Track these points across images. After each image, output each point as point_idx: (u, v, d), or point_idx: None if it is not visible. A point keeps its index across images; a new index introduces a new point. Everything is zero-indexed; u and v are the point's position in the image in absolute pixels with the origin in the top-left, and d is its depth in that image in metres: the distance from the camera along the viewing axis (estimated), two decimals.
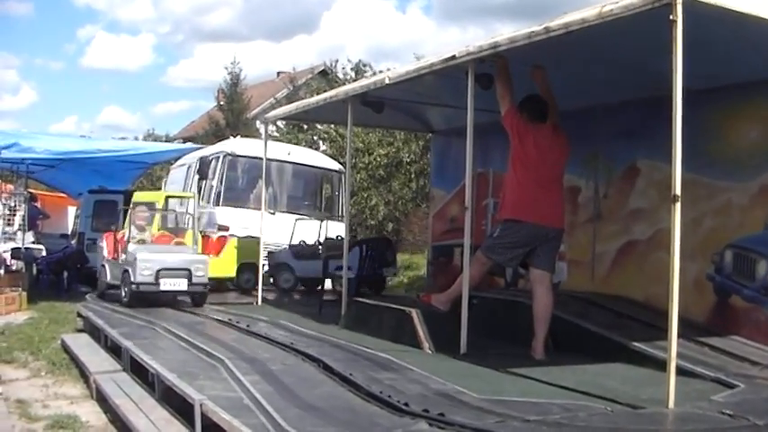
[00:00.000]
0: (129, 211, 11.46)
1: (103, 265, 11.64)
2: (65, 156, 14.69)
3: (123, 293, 10.50)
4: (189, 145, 19.51)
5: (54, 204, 21.14)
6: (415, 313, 7.53)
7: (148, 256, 10.38)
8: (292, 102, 14.80)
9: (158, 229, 12.08)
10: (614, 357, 6.62)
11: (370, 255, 10.75)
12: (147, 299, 10.44)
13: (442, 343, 7.13)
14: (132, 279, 10.18)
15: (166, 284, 10.29)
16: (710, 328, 7.36)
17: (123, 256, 10.78)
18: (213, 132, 29.00)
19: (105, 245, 11.80)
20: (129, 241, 10.78)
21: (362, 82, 9.90)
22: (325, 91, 14.89)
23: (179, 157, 17.76)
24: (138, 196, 12.74)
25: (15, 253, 14.95)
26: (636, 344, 6.59)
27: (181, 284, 10.37)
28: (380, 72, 16.57)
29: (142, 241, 11.03)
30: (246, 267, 12.97)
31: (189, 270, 10.43)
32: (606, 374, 6.14)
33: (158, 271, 10.24)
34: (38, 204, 18.46)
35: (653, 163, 8.16)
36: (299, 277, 12.97)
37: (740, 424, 4.60)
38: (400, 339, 7.42)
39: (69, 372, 8.10)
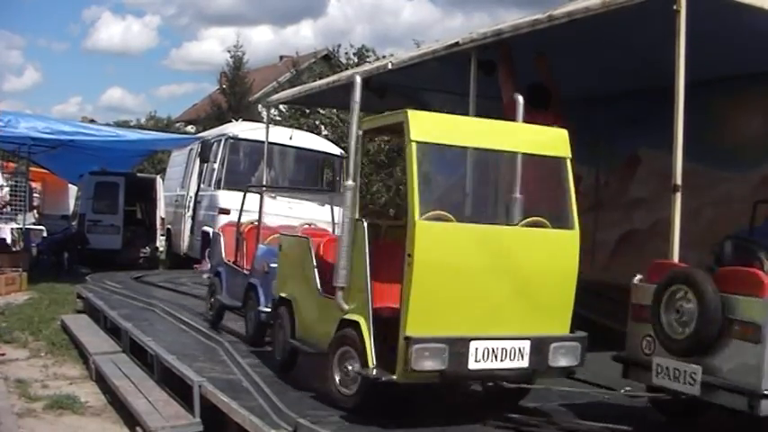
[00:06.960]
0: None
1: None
2: (63, 136, 14.62)
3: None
4: (189, 129, 19.50)
5: (55, 185, 21.11)
6: None
7: None
8: (295, 86, 14.77)
9: None
10: (612, 345, 6.62)
11: None
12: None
13: None
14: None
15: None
16: None
17: None
18: (215, 116, 28.91)
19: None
20: None
21: (366, 67, 9.86)
22: (327, 75, 14.86)
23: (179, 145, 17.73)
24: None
25: None
26: None
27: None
28: (384, 57, 16.53)
29: None
30: None
31: None
32: (604, 362, 6.16)
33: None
34: (32, 184, 18.39)
35: (654, 152, 8.13)
36: None
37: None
38: None
39: (69, 352, 8.13)
